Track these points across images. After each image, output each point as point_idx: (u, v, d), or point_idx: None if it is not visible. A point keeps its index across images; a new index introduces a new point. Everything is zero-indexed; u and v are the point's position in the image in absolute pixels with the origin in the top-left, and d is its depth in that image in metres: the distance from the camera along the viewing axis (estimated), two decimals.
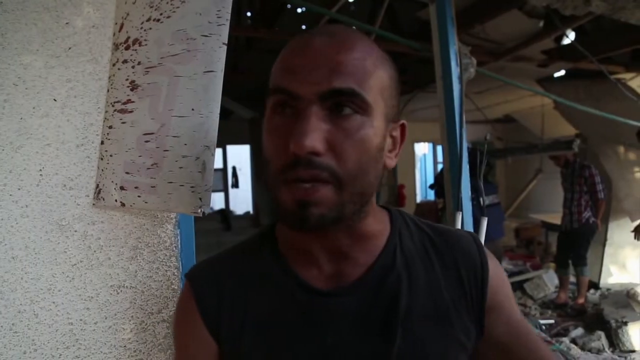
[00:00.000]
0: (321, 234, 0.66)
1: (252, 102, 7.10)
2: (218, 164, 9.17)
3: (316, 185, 0.59)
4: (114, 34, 0.99)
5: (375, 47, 0.66)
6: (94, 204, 0.98)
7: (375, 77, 0.62)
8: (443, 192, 5.75)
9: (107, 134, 0.97)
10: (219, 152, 9.04)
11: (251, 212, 9.31)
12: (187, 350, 0.74)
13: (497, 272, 0.74)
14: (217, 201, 9.64)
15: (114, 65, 0.98)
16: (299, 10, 4.77)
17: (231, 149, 9.55)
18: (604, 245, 5.45)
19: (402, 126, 0.70)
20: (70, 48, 0.97)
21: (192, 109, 0.93)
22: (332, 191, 0.59)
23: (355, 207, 0.63)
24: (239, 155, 10.19)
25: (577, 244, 4.85)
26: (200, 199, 0.92)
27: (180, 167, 0.92)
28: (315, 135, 0.57)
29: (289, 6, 4.33)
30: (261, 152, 0.65)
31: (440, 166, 9.00)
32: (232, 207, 9.46)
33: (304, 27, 4.70)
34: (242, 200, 10.38)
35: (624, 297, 4.24)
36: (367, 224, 0.69)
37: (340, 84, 0.59)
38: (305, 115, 0.58)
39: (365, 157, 0.61)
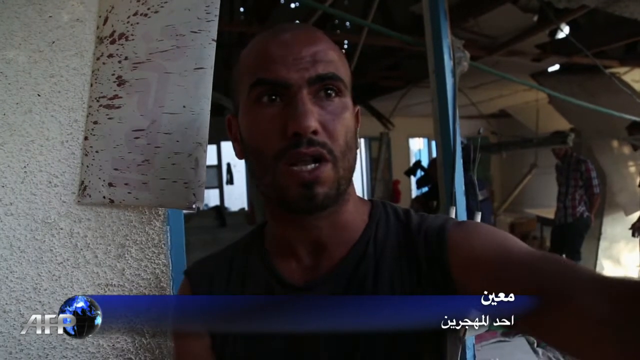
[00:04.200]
0: (306, 222, 0.69)
1: None
2: (212, 160, 9.14)
3: (318, 164, 0.63)
4: (98, 27, 0.97)
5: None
6: (79, 201, 0.96)
7: (343, 65, 0.69)
8: (425, 181, 5.69)
9: (92, 129, 0.96)
10: (213, 148, 9.01)
11: (246, 208, 9.29)
12: (185, 342, 0.77)
13: (459, 232, 0.68)
14: (212, 198, 9.61)
15: (98, 59, 0.96)
16: (293, 5, 4.75)
17: (225, 145, 9.52)
18: (598, 240, 5.47)
19: (358, 111, 0.75)
20: (54, 42, 0.95)
21: (183, 106, 0.92)
22: (331, 169, 0.64)
23: (346, 185, 0.67)
24: (234, 152, 10.17)
25: (572, 239, 4.86)
26: (194, 194, 0.92)
27: (173, 164, 0.92)
28: (314, 116, 0.62)
29: (282, 1, 4.31)
30: (245, 147, 0.69)
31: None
32: (227, 203, 9.43)
33: (297, 22, 4.67)
34: (237, 197, 10.35)
35: None
36: (347, 212, 0.72)
37: (324, 69, 0.64)
38: (299, 99, 0.62)
39: (349, 135, 0.66)
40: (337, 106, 0.65)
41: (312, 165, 0.63)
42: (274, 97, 0.65)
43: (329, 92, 0.65)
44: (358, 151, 0.72)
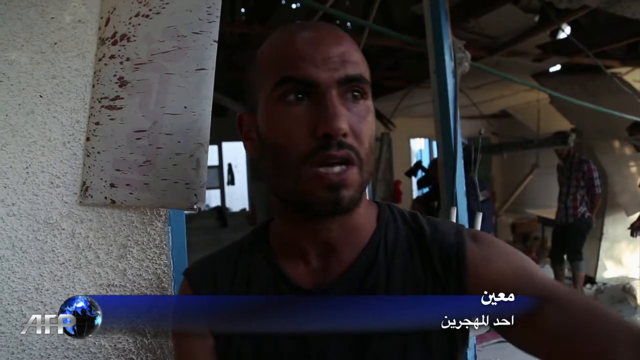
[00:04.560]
0: (318, 224, 0.68)
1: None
2: (214, 161, 9.15)
3: (346, 167, 0.61)
4: (100, 28, 0.98)
5: None
6: (80, 202, 0.96)
7: (366, 67, 0.67)
8: (426, 181, 5.67)
9: (94, 130, 0.96)
10: (214, 149, 9.01)
11: (247, 208, 9.30)
12: (187, 342, 0.75)
13: (480, 250, 0.68)
14: (213, 198, 9.61)
15: (100, 60, 0.97)
16: (294, 5, 4.75)
17: (227, 146, 9.53)
18: (599, 240, 5.46)
19: None
20: (56, 43, 0.95)
21: (185, 107, 0.93)
22: (357, 172, 0.63)
23: (365, 188, 0.67)
24: (235, 152, 10.16)
25: (573, 239, 4.85)
26: (195, 195, 0.92)
27: (174, 165, 0.92)
28: (344, 118, 0.61)
29: (283, 2, 4.31)
30: (263, 146, 0.67)
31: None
32: (228, 204, 9.44)
33: (298, 22, 4.67)
34: (238, 197, 10.36)
35: (620, 292, 4.26)
36: (358, 214, 0.70)
37: (353, 70, 0.63)
38: (329, 99, 0.61)
39: (372, 139, 0.65)
40: (362, 109, 0.64)
41: (340, 168, 0.61)
42: (300, 95, 0.63)
43: (355, 93, 0.64)
44: None
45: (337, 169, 0.61)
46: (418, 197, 6.24)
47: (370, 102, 0.66)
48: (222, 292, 0.73)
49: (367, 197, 0.74)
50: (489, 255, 0.68)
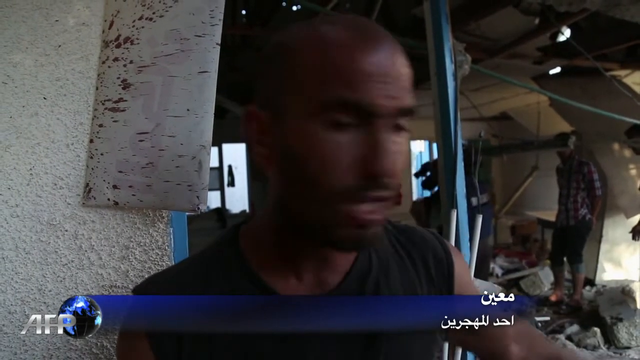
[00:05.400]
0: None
1: (247, 100, 7.07)
2: (214, 162, 9.14)
3: (379, 205, 0.55)
4: (104, 31, 0.98)
5: None
6: (83, 203, 0.97)
7: None
8: (431, 183, 5.66)
9: (97, 132, 0.97)
10: (214, 150, 9.01)
11: (247, 210, 9.29)
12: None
13: (461, 263, 0.75)
14: (213, 200, 9.61)
15: (103, 62, 0.97)
16: (294, 7, 4.76)
17: (227, 147, 9.53)
18: (599, 242, 5.46)
19: None
20: (60, 46, 0.96)
21: (188, 109, 0.93)
22: (387, 208, 0.56)
23: None
24: (235, 154, 10.16)
25: (573, 241, 4.86)
26: (197, 197, 0.93)
27: (177, 167, 0.93)
28: (395, 157, 0.53)
29: (284, 4, 4.32)
30: (285, 162, 0.57)
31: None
32: (228, 205, 9.43)
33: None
34: (238, 199, 10.35)
35: (620, 294, 4.25)
36: None
37: (410, 100, 0.54)
38: (384, 133, 0.52)
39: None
40: (404, 143, 0.56)
41: (375, 205, 0.54)
42: (349, 120, 0.52)
43: (402, 125, 0.55)
44: None
45: (369, 207, 0.54)
46: (426, 198, 6.22)
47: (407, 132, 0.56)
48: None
49: None
50: (464, 269, 0.76)
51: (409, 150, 0.70)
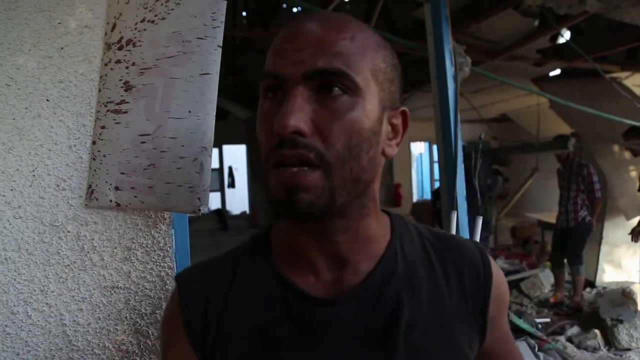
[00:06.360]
0: (320, 235, 0.64)
1: (247, 102, 7.09)
2: (214, 163, 9.13)
3: (304, 169, 0.56)
4: (106, 34, 0.99)
5: (369, 31, 0.63)
6: (86, 205, 0.97)
7: (367, 59, 0.60)
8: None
9: (100, 134, 0.97)
10: (215, 152, 9.02)
11: (247, 211, 9.30)
12: (168, 355, 0.71)
13: (501, 281, 0.71)
14: (213, 201, 9.61)
15: (106, 65, 0.98)
16: (295, 9, 4.77)
17: (227, 148, 9.54)
18: (599, 244, 5.47)
19: (404, 113, 0.67)
20: (62, 48, 0.96)
21: (189, 111, 0.94)
22: (321, 176, 0.57)
23: (349, 196, 0.60)
24: (235, 155, 10.17)
25: (573, 243, 4.86)
26: (198, 198, 0.93)
27: (178, 168, 0.94)
28: (299, 115, 0.56)
29: (284, 5, 4.33)
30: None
31: (437, 165, 8.99)
32: (228, 207, 9.44)
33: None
34: (238, 200, 10.36)
35: (620, 296, 4.26)
36: (368, 225, 0.66)
37: (326, 63, 0.57)
38: (289, 96, 0.57)
39: (356, 139, 0.58)
40: (340, 106, 0.57)
41: (296, 169, 0.56)
42: (277, 91, 0.59)
43: (332, 88, 0.57)
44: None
45: (294, 169, 0.56)
46: (432, 200, 6.23)
47: (358, 99, 0.58)
48: (216, 301, 0.67)
49: (379, 206, 0.69)
50: (503, 288, 0.73)
51: (359, 116, 0.64)
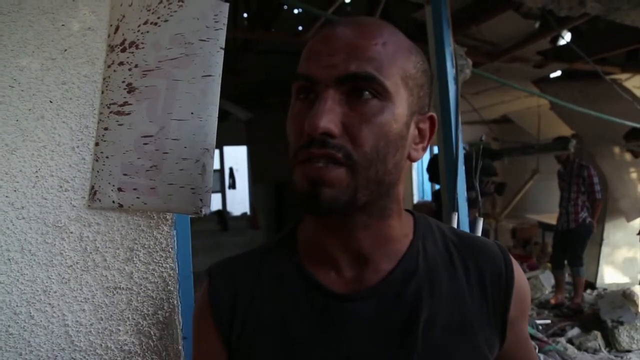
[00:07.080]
0: (342, 232, 0.65)
1: (249, 103, 7.09)
2: (215, 164, 9.14)
3: (330, 165, 0.59)
4: (109, 36, 0.99)
5: (402, 37, 0.66)
6: (89, 206, 0.98)
7: (398, 65, 0.62)
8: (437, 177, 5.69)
9: (103, 135, 0.98)
10: (215, 153, 9.00)
11: (248, 213, 9.30)
12: (199, 346, 0.76)
13: (523, 284, 0.72)
14: (214, 202, 9.59)
15: (109, 67, 0.98)
16: (296, 11, 4.77)
17: (228, 150, 9.54)
18: (600, 245, 5.47)
19: (431, 118, 0.69)
20: (66, 50, 0.97)
21: (192, 113, 0.95)
22: (345, 173, 0.59)
23: (372, 195, 0.62)
24: (236, 156, 10.17)
25: (574, 244, 4.87)
26: (201, 200, 0.94)
27: (181, 169, 0.94)
28: (330, 117, 0.58)
29: (285, 7, 4.33)
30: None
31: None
32: (229, 208, 9.44)
33: (300, 28, 4.70)
34: (239, 201, 10.35)
35: (620, 297, 4.25)
36: (390, 226, 0.67)
37: (357, 68, 0.59)
38: (320, 98, 0.59)
39: (383, 142, 0.60)
40: (370, 109, 0.59)
41: (322, 164, 0.59)
42: (309, 93, 0.62)
43: (362, 92, 0.59)
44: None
45: (320, 164, 0.59)
46: (434, 196, 6.22)
47: (388, 103, 0.60)
48: (244, 294, 0.71)
49: (402, 207, 0.70)
50: (525, 291, 0.73)
51: (388, 120, 0.66)
